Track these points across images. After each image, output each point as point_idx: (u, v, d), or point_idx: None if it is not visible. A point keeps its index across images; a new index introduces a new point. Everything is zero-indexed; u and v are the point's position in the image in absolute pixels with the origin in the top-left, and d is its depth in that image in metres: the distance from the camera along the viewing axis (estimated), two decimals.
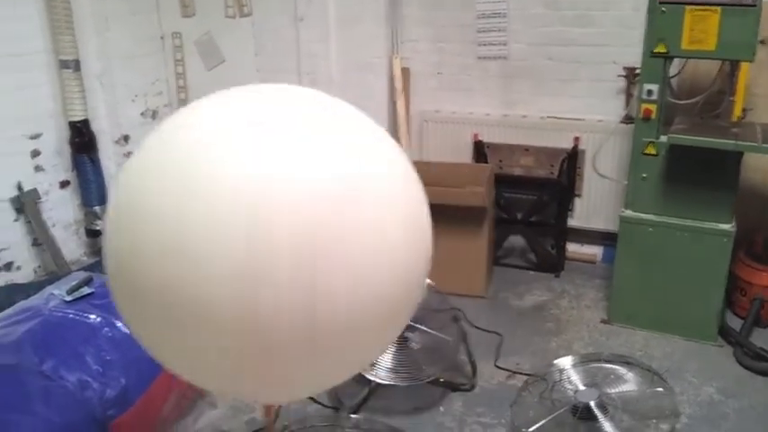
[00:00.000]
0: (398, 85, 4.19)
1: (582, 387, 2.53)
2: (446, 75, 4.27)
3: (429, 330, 2.76)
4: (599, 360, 2.69)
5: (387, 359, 2.68)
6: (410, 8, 4.19)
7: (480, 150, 4.08)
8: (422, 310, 2.83)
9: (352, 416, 2.71)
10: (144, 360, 2.44)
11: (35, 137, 3.89)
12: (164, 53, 4.68)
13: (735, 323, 3.28)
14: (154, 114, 4.64)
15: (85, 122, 4.03)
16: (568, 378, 2.62)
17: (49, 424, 2.13)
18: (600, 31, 3.83)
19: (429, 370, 2.71)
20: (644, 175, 3.23)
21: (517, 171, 4.06)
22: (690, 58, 3.26)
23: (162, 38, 4.65)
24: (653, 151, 3.19)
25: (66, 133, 4.03)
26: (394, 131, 4.29)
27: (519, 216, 4.00)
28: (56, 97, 3.97)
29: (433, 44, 4.24)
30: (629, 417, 2.41)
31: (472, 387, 2.92)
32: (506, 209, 3.99)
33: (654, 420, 2.42)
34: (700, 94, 3.38)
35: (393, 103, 4.24)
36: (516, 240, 4.11)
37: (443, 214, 3.54)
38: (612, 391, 2.50)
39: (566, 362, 2.71)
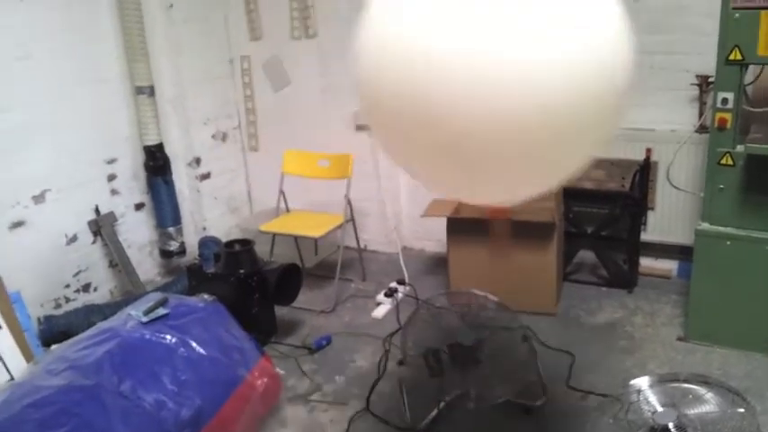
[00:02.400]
0: None
1: (660, 408, 2.44)
2: None
3: (498, 350, 2.72)
4: (677, 380, 2.59)
5: (455, 380, 2.66)
6: None
7: None
8: (490, 329, 2.81)
9: None
10: (218, 380, 2.52)
11: (111, 161, 4.05)
12: (233, 77, 4.80)
13: None
14: (224, 137, 4.77)
15: (159, 146, 4.17)
16: (645, 399, 2.53)
17: None
18: (671, 38, 3.73)
19: (499, 391, 2.66)
20: (721, 187, 3.12)
21: (587, 184, 3.97)
22: (767, 64, 3.13)
23: (231, 61, 4.77)
24: (729, 161, 3.07)
25: (140, 157, 4.18)
26: None
27: (589, 230, 3.91)
28: (131, 122, 4.13)
29: None
30: None
31: (544, 408, 2.86)
32: (576, 223, 3.91)
33: None
34: None
35: None
36: (587, 255, 4.02)
37: (512, 230, 3.53)
38: (691, 412, 2.40)
39: (642, 382, 2.61)
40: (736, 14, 2.87)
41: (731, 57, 2.93)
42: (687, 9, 3.64)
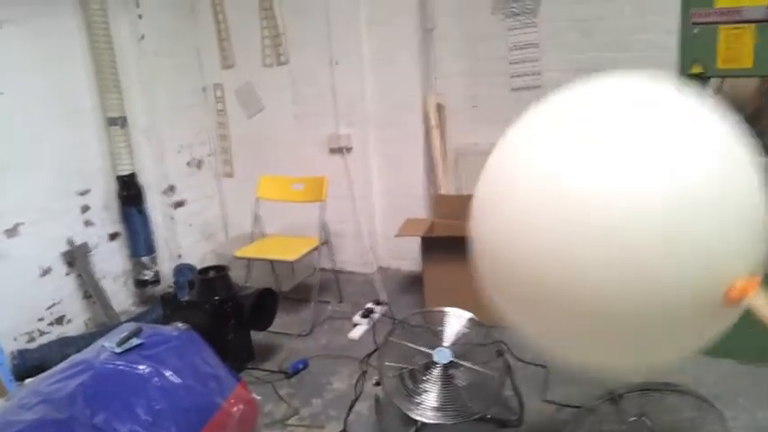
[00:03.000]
0: (434, 120, 4.24)
1: (632, 418, 2.47)
2: (481, 108, 4.29)
3: (473, 366, 2.74)
4: (648, 389, 2.62)
5: (432, 398, 2.67)
6: (443, 45, 4.24)
7: None
8: (465, 346, 2.83)
9: None
10: (193, 409, 2.51)
11: (84, 192, 4.05)
12: (206, 104, 4.83)
13: None
14: (199, 164, 4.78)
15: (132, 176, 4.18)
16: (618, 409, 2.56)
17: None
18: (634, 55, 3.81)
19: (475, 407, 2.68)
20: None
21: None
22: (727, 77, 3.20)
23: (204, 90, 4.80)
24: None
25: (113, 187, 4.18)
26: (431, 167, 4.32)
27: None
28: (104, 153, 4.14)
29: (467, 78, 4.27)
30: None
31: (520, 422, 2.88)
32: None
33: None
34: (739, 113, 3.32)
35: (429, 139, 4.28)
36: None
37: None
38: (663, 419, 2.44)
39: (615, 392, 2.65)
40: (695, 29, 2.95)
41: (692, 71, 3.00)
42: (647, 26, 3.73)
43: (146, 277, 4.29)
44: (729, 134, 1.78)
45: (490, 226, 1.84)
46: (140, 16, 4.20)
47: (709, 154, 1.68)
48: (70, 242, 3.93)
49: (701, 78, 3.01)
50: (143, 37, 4.23)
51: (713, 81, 3.23)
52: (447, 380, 2.71)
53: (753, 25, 2.83)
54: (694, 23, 2.95)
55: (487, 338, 2.90)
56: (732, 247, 1.64)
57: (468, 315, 2.89)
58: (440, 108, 4.30)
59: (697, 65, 2.99)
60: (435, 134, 4.25)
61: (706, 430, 2.37)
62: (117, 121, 4.09)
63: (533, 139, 1.85)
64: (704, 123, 1.76)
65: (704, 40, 2.94)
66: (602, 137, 1.71)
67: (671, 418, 2.43)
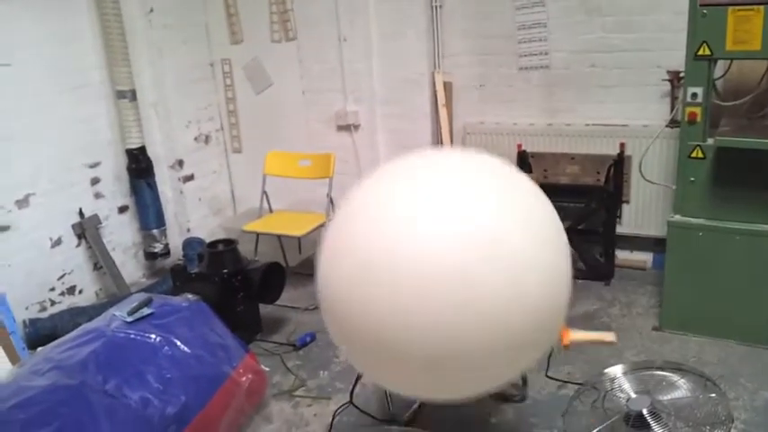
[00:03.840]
0: (441, 99, 4.25)
1: (634, 395, 2.51)
2: (488, 86, 4.30)
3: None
4: (651, 368, 2.66)
5: None
6: (451, 23, 4.24)
7: (524, 160, 4.09)
8: None
9: (404, 429, 2.74)
10: (203, 377, 2.56)
11: (94, 165, 4.08)
12: (214, 80, 4.84)
13: None
14: (207, 139, 4.81)
15: (142, 149, 4.21)
16: (620, 386, 2.60)
17: None
18: (642, 36, 3.81)
19: None
20: (692, 179, 3.20)
21: (563, 180, 4.05)
22: (734, 59, 3.20)
23: (212, 65, 4.81)
24: (700, 154, 3.16)
25: (123, 160, 4.21)
26: (438, 145, 4.34)
27: (566, 225, 3.96)
28: (113, 126, 4.16)
29: (475, 57, 4.27)
30: (683, 423, 2.38)
31: (523, 398, 2.93)
32: None
33: (708, 427, 2.38)
34: (746, 95, 3.33)
35: (436, 117, 4.29)
36: None
37: None
38: (665, 398, 2.47)
39: (617, 370, 2.68)
40: (704, 11, 2.94)
41: (700, 52, 3.01)
42: (656, 7, 3.72)
43: (155, 250, 4.33)
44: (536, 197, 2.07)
45: (331, 276, 1.97)
46: None
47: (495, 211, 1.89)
48: (81, 214, 3.97)
49: (709, 60, 3.02)
50: (152, 10, 4.24)
51: (721, 63, 3.25)
52: None
53: (762, 7, 2.82)
54: (703, 5, 2.94)
55: None
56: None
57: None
58: (447, 86, 4.30)
59: (705, 47, 2.99)
60: (443, 113, 4.26)
61: (708, 409, 2.40)
62: (126, 95, 4.10)
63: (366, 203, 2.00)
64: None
65: (713, 21, 2.93)
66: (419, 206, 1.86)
67: (673, 396, 2.46)
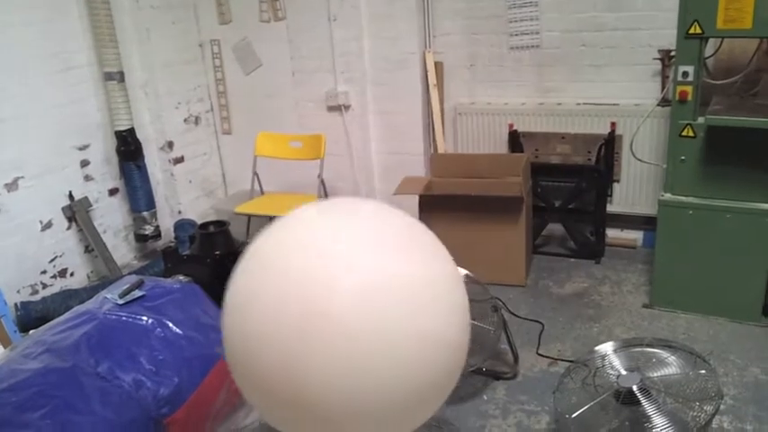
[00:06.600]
0: (432, 79, 4.23)
1: (624, 372, 2.53)
2: (479, 66, 4.29)
3: (470, 321, 2.79)
4: (641, 345, 2.68)
5: None
6: (441, 2, 4.21)
7: (516, 140, 4.10)
8: None
9: None
10: (195, 359, 2.56)
11: (84, 148, 4.05)
12: (203, 60, 4.81)
13: None
14: (197, 120, 4.78)
15: (131, 131, 4.18)
16: (610, 363, 2.62)
17: (107, 423, 2.22)
18: (633, 15, 3.80)
19: (471, 360, 2.72)
20: (682, 158, 3.20)
21: (554, 159, 4.06)
22: (726, 37, 3.20)
23: (201, 45, 4.77)
24: (691, 133, 3.16)
25: (113, 142, 4.18)
26: (429, 125, 4.33)
27: (557, 204, 4.00)
28: (102, 108, 4.13)
29: (466, 36, 4.25)
30: (673, 400, 2.40)
31: (515, 375, 2.95)
32: (544, 197, 4.00)
33: (697, 403, 2.41)
34: (737, 74, 3.33)
35: (427, 98, 4.28)
36: (555, 228, 4.12)
37: (481, 205, 3.61)
38: (655, 374, 2.49)
39: (607, 347, 2.70)
40: None
41: (691, 31, 3.00)
42: None
43: (146, 232, 4.32)
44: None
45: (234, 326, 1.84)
46: None
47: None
48: (70, 196, 3.95)
49: (700, 39, 3.01)
50: None
51: (712, 41, 3.25)
52: None
53: None
54: None
55: (483, 294, 2.95)
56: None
57: (465, 272, 2.93)
58: (438, 66, 4.29)
59: (696, 25, 2.98)
60: (434, 93, 4.25)
61: (698, 385, 2.42)
62: (114, 76, 4.07)
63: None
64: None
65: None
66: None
67: (663, 373, 2.48)
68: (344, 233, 1.77)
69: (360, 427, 1.76)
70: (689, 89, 3.10)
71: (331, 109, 4.50)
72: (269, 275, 1.75)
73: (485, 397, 2.85)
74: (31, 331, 2.93)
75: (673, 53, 3.32)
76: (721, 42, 3.36)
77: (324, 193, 4.12)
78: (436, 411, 1.97)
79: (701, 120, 3.11)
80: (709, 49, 3.25)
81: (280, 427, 1.90)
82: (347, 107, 4.46)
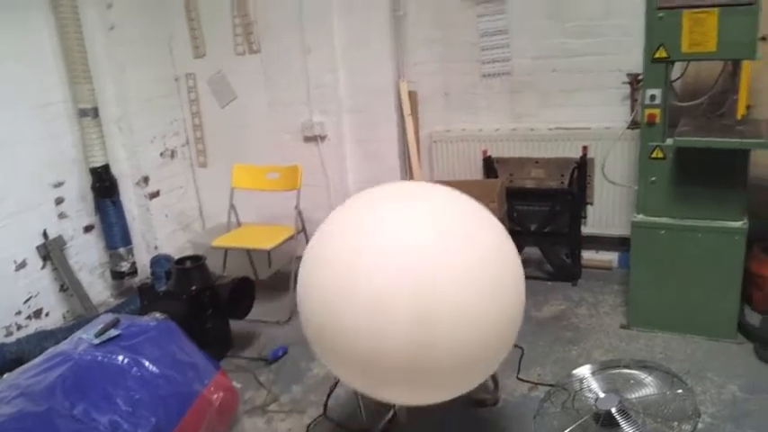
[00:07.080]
0: (406, 108, 4.27)
1: (602, 394, 2.54)
2: (453, 94, 4.34)
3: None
4: (618, 366, 2.70)
5: None
6: (414, 32, 4.27)
7: (490, 166, 4.14)
8: None
9: None
10: (172, 397, 2.54)
11: (58, 185, 4.02)
12: (179, 94, 4.81)
13: (755, 319, 3.26)
14: (172, 154, 4.77)
15: (106, 167, 4.17)
16: (588, 387, 2.63)
17: None
18: (602, 41, 3.88)
19: None
20: (653, 179, 3.25)
21: (528, 183, 4.10)
22: (691, 60, 3.27)
23: (176, 79, 4.78)
24: (660, 155, 3.21)
25: (87, 179, 4.16)
26: (405, 154, 4.36)
27: (533, 228, 4.03)
28: (77, 145, 4.12)
29: (440, 65, 4.31)
30: (651, 420, 2.42)
31: (496, 402, 2.95)
32: (519, 221, 4.03)
33: (676, 422, 2.42)
34: (703, 95, 3.40)
35: (402, 127, 4.31)
36: (532, 252, 4.14)
37: None
38: (633, 396, 2.51)
39: (585, 370, 2.72)
40: (660, 14, 3.01)
41: (657, 55, 3.07)
42: (615, 12, 3.80)
43: (122, 269, 4.29)
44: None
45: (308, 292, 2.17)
46: (110, 5, 4.15)
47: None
48: (45, 235, 3.91)
49: (666, 62, 3.08)
50: (113, 27, 4.20)
51: (678, 65, 3.32)
52: None
53: (716, 9, 2.89)
54: (659, 8, 3.01)
55: None
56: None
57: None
58: (412, 95, 4.33)
59: (662, 49, 3.05)
60: (409, 122, 4.28)
61: (676, 405, 2.44)
62: (88, 113, 4.06)
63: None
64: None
65: (669, 24, 3.00)
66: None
67: (641, 394, 2.50)
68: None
69: (436, 376, 2.07)
70: (657, 112, 3.16)
71: (307, 140, 4.52)
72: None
73: (466, 426, 2.84)
74: (5, 375, 2.88)
75: (641, 77, 3.38)
76: (687, 65, 3.43)
77: (301, 223, 4.11)
78: None
79: (669, 141, 3.17)
80: (676, 72, 3.32)
81: (359, 383, 2.23)
82: (323, 137, 4.47)
